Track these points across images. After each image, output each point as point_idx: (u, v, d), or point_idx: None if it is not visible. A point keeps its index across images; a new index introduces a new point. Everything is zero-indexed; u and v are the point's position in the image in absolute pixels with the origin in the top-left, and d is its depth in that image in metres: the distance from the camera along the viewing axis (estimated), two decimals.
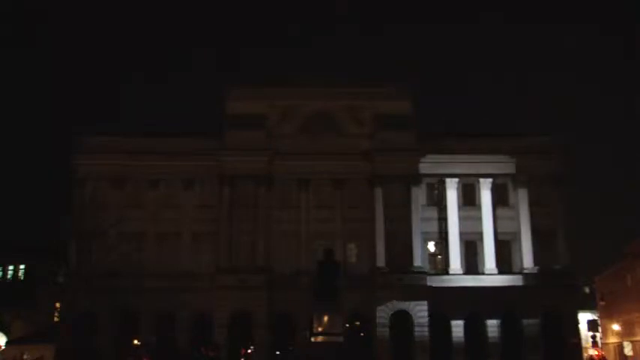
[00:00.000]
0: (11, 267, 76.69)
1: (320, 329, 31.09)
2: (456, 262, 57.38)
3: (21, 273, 76.39)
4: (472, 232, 57.94)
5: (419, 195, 57.87)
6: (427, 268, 57.01)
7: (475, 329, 55.33)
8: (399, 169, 57.35)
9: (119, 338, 54.50)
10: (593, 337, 60.92)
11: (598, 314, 74.20)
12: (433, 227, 58.30)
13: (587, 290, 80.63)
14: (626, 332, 70.97)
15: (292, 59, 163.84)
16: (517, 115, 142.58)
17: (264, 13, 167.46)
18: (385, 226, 56.49)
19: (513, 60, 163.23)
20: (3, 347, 64.40)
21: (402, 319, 54.36)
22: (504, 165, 58.93)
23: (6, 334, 67.87)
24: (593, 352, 58.81)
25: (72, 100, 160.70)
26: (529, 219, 57.79)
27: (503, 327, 55.60)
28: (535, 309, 55.21)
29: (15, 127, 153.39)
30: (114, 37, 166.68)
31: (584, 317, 65.72)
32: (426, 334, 54.08)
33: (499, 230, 58.07)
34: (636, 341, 69.34)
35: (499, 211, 58.55)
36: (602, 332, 74.64)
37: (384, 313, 54.54)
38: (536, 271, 56.70)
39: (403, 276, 55.12)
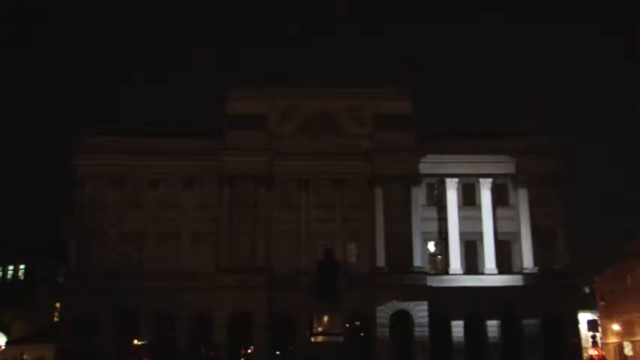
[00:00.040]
0: (11, 267, 76.66)
1: (320, 329, 31.08)
2: (456, 262, 57.38)
3: (21, 273, 76.36)
4: (472, 232, 57.95)
5: (419, 195, 57.87)
6: (427, 268, 57.02)
7: (475, 329, 55.32)
8: (399, 169, 57.34)
9: (119, 338, 54.46)
10: (593, 337, 61.00)
11: (598, 314, 74.25)
12: (433, 227, 58.32)
13: (587, 290, 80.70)
14: (626, 332, 70.98)
15: (292, 59, 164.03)
16: (517, 115, 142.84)
17: (264, 13, 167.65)
18: (385, 226, 56.48)
19: (513, 60, 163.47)
20: (3, 347, 64.43)
21: (402, 319, 54.35)
22: (504, 165, 58.93)
23: (6, 334, 67.89)
24: (593, 352, 58.86)
25: (72, 100, 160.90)
26: (529, 219, 57.79)
27: (503, 327, 55.59)
28: (535, 309, 55.21)
29: (15, 127, 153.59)
30: (114, 37, 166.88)
31: (584, 317, 65.79)
32: (426, 334, 54.06)
33: (499, 230, 58.07)
34: (636, 341, 69.35)
35: (499, 211, 58.55)
36: (602, 332, 74.67)
37: (384, 313, 54.53)
38: (536, 271, 56.69)
39: (403, 276, 55.11)
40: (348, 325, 48.01)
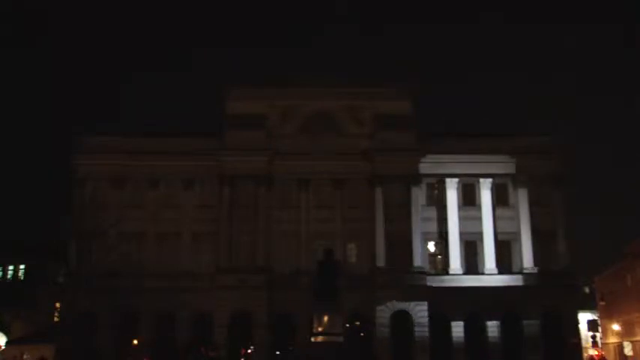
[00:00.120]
0: (11, 267, 76.66)
1: (320, 329, 31.12)
2: (456, 262, 57.38)
3: (21, 273, 76.35)
4: (472, 232, 57.93)
5: (419, 195, 57.86)
6: (427, 268, 57.02)
7: (475, 329, 55.30)
8: (399, 169, 57.34)
9: (119, 338, 54.48)
10: (593, 337, 60.93)
11: (598, 314, 74.22)
12: (433, 227, 58.32)
13: (587, 290, 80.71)
14: (626, 332, 70.98)
15: (292, 59, 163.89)
16: (517, 115, 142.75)
17: (264, 13, 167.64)
18: (385, 226, 56.48)
19: (513, 60, 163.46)
20: (3, 347, 64.44)
21: (402, 319, 54.35)
22: (504, 165, 58.93)
23: (6, 334, 67.91)
24: (593, 352, 58.83)
25: (72, 100, 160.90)
26: (529, 219, 57.78)
27: (503, 327, 55.58)
28: (535, 309, 55.22)
29: (15, 127, 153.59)
30: (114, 37, 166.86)
31: (584, 317, 65.77)
32: (426, 334, 54.05)
33: (499, 230, 58.07)
34: (636, 341, 69.35)
35: (499, 211, 58.56)
36: (602, 332, 74.68)
37: (384, 313, 54.52)
38: (536, 271, 56.68)
39: (403, 276, 55.10)
40: (348, 325, 48.00)
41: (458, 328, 55.50)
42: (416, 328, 54.19)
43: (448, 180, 58.60)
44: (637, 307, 68.51)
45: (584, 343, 59.51)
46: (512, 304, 55.19)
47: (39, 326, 66.59)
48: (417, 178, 57.75)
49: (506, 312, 55.43)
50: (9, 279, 76.36)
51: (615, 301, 73.18)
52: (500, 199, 59.03)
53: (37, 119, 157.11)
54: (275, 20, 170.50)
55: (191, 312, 55.26)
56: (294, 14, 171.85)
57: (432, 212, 58.68)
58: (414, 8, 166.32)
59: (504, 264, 57.75)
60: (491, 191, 58.64)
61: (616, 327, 71.38)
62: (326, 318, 31.11)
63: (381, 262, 55.85)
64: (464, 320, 55.50)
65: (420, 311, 54.45)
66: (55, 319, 66.85)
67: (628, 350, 70.35)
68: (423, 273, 55.79)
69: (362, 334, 53.22)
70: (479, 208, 58.49)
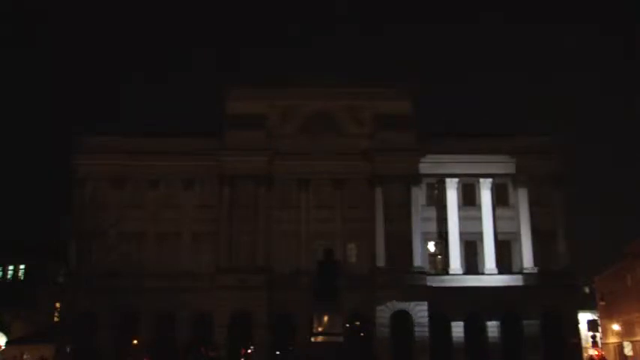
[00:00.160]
0: (11, 267, 76.68)
1: (320, 329, 31.15)
2: (456, 262, 57.37)
3: (21, 273, 76.37)
4: (472, 232, 57.93)
5: (419, 195, 57.85)
6: (427, 268, 57.02)
7: (475, 329, 55.29)
8: (399, 169, 57.34)
9: (119, 338, 54.48)
10: (593, 337, 60.90)
11: (598, 314, 74.23)
12: (433, 227, 58.32)
13: (587, 290, 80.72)
14: (626, 332, 71.00)
15: (292, 59, 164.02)
16: (517, 115, 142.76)
17: (264, 13, 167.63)
18: (385, 226, 56.47)
19: (513, 60, 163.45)
20: (3, 347, 64.45)
21: (402, 319, 54.34)
22: (504, 165, 58.92)
23: (6, 334, 67.91)
24: (593, 352, 58.81)
25: (72, 100, 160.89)
26: (529, 219, 57.78)
27: (503, 327, 55.57)
28: (535, 309, 55.21)
29: (15, 127, 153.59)
30: (114, 37, 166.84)
31: (584, 317, 65.74)
32: (426, 334, 54.05)
33: (499, 230, 58.07)
34: (636, 341, 69.37)
35: (499, 211, 58.55)
36: (602, 332, 74.68)
37: (384, 313, 54.51)
38: (536, 271, 56.67)
39: (403, 276, 55.09)
40: (348, 325, 48.02)
41: (458, 328, 55.48)
42: (416, 328, 54.19)
43: (448, 180, 58.60)
44: (637, 307, 68.53)
45: (584, 343, 59.50)
46: (512, 304, 55.19)
47: (39, 326, 66.61)
48: (417, 178, 57.75)
49: (506, 312, 55.43)
50: (9, 279, 76.39)
51: (615, 301, 73.20)
52: (500, 199, 59.03)
53: (37, 119, 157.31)
54: (275, 20, 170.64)
55: (191, 312, 55.25)
56: (294, 14, 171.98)
57: (432, 212, 58.67)
58: (414, 8, 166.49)
59: (504, 264, 57.75)
60: (491, 191, 58.64)
61: (616, 327, 71.42)
62: (326, 318, 31.14)
63: (381, 262, 55.84)
64: (464, 320, 55.49)
65: (420, 311, 54.44)
66: (55, 319, 66.88)
67: (628, 350, 70.35)
68: (423, 273, 55.78)
69: (362, 334, 53.22)
70: (479, 208, 58.48)
